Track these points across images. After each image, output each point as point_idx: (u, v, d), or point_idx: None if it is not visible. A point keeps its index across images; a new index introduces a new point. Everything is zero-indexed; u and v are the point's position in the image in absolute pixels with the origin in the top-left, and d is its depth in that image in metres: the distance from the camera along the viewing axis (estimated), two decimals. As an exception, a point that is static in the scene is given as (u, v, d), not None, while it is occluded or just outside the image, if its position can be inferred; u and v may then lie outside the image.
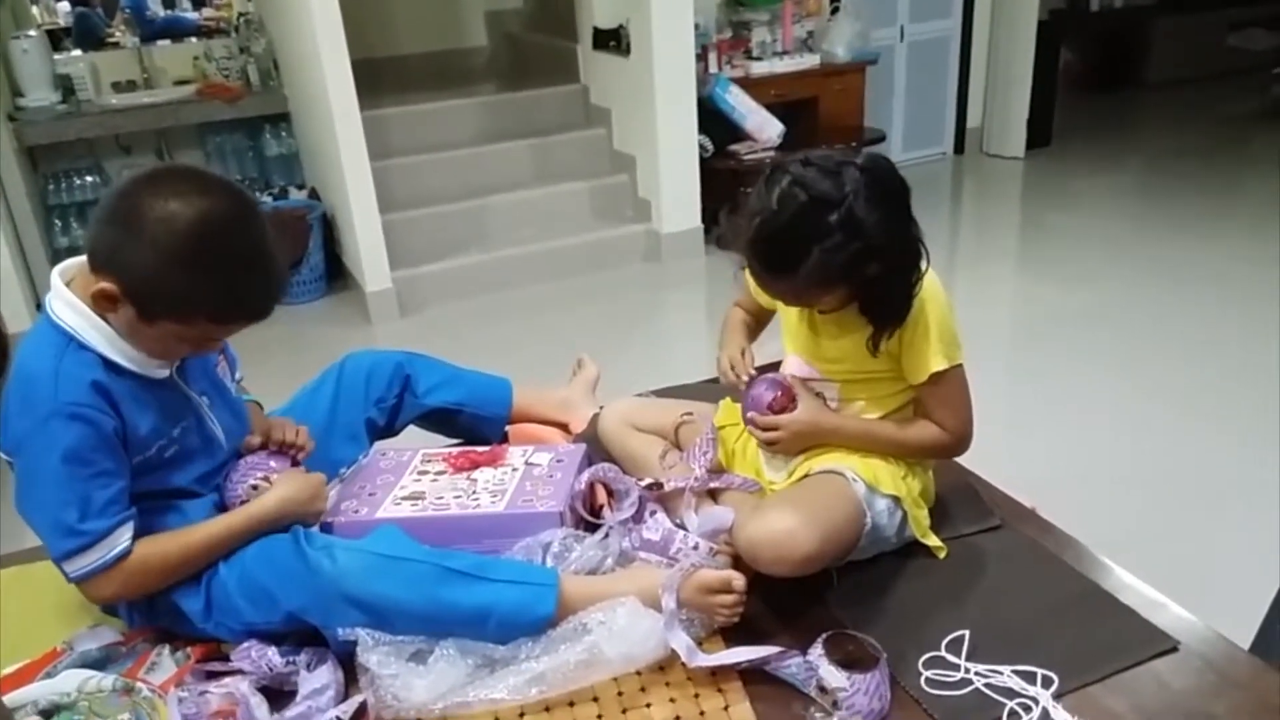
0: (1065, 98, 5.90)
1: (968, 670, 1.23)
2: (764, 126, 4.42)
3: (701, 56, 4.43)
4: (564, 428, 1.83)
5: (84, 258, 1.23)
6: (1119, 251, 4.16)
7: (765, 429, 1.45)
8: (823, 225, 1.25)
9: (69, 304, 1.22)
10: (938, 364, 1.37)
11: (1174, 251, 4.06)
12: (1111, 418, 2.84)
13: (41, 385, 1.19)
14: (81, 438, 1.18)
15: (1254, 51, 6.87)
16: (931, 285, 1.38)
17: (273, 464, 1.41)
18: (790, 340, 1.55)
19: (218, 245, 1.17)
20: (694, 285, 4.23)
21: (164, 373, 1.30)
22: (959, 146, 5.68)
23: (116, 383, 1.23)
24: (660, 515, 1.47)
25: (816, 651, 1.22)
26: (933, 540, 1.47)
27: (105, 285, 1.17)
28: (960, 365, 1.40)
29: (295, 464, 1.44)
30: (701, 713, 1.20)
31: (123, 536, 1.22)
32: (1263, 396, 2.80)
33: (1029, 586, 1.40)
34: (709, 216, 4.37)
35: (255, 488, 1.37)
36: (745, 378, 1.52)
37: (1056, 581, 1.41)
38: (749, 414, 1.48)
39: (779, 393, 1.46)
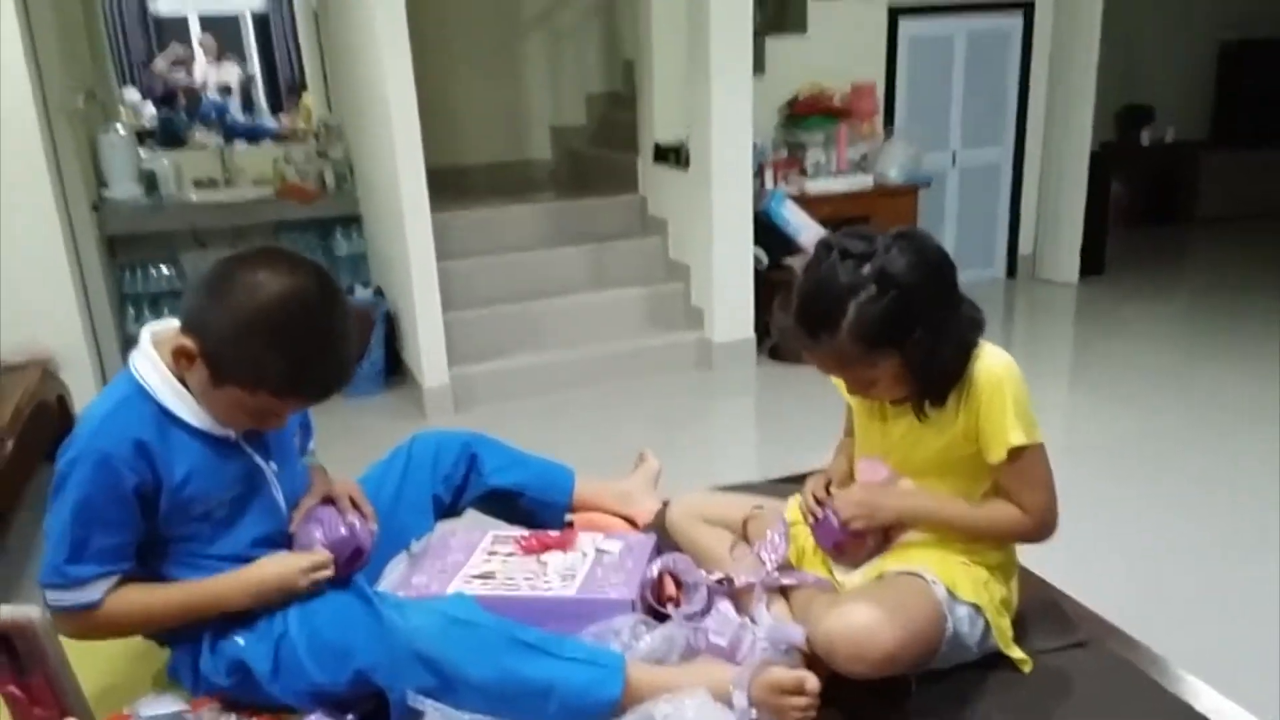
0: (1117, 228, 5.94)
1: (1060, 788, 1.16)
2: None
3: (758, 173, 4.55)
4: (629, 521, 1.81)
5: (175, 320, 1.30)
6: (1173, 380, 4.13)
7: (846, 511, 1.42)
8: (856, 278, 1.28)
9: (149, 359, 1.28)
10: (1017, 439, 1.34)
11: (1226, 383, 4.01)
12: (1162, 540, 2.77)
13: (86, 425, 1.26)
14: (99, 485, 1.22)
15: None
16: (1009, 366, 1.37)
17: (351, 519, 1.41)
18: (862, 442, 1.53)
19: (294, 322, 1.22)
20: (744, 393, 4.23)
21: (228, 433, 1.32)
22: (1010, 270, 5.72)
23: (170, 440, 1.26)
24: (727, 608, 1.43)
25: (899, 759, 1.16)
26: (1016, 652, 1.41)
27: (185, 343, 1.23)
28: (1041, 445, 1.37)
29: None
30: (779, 817, 1.14)
31: (97, 588, 1.24)
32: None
33: (1119, 706, 1.34)
34: (763, 327, 4.42)
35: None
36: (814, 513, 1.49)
37: (1148, 702, 1.34)
38: (833, 541, 1.46)
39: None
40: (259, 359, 1.21)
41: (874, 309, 1.28)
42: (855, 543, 1.46)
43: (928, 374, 1.35)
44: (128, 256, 4.55)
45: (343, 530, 1.39)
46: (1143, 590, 2.48)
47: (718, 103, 4.06)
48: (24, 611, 0.52)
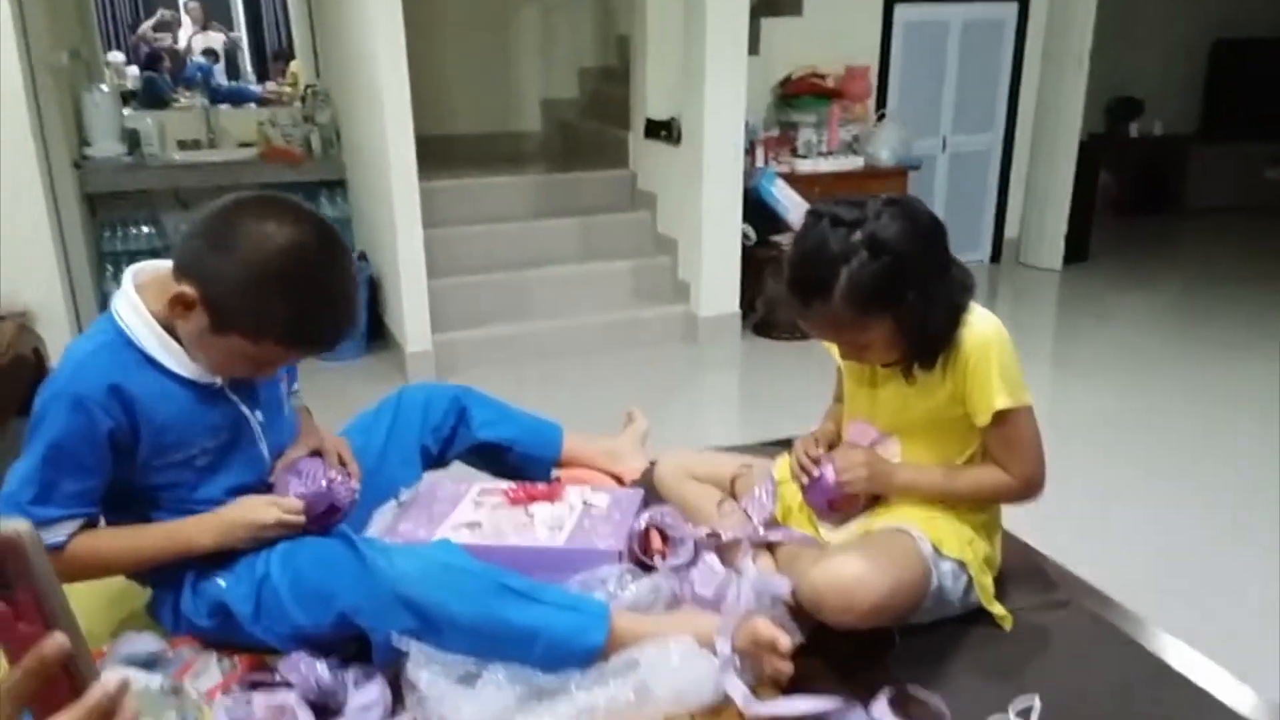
0: (1103, 217, 5.98)
1: (1039, 739, 1.17)
2: (807, 221, 4.49)
3: (749, 151, 4.54)
4: (616, 478, 1.80)
5: (161, 263, 1.28)
6: (1153, 361, 4.18)
7: (847, 472, 1.41)
8: (847, 245, 1.28)
9: (131, 304, 1.25)
10: (1002, 401, 1.35)
11: (1208, 369, 4.06)
12: (1146, 515, 2.81)
13: (64, 368, 1.24)
14: (73, 427, 1.20)
15: (1292, 187, 6.96)
16: (998, 330, 1.38)
17: (333, 474, 1.39)
18: (851, 406, 1.54)
19: (304, 273, 1.20)
20: (729, 367, 4.25)
21: (213, 380, 1.30)
22: (995, 255, 5.75)
23: (150, 386, 1.24)
24: (713, 561, 1.44)
25: (880, 706, 1.17)
26: (998, 609, 1.42)
27: (185, 290, 1.20)
28: (1028, 407, 1.38)
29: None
30: (761, 760, 1.15)
31: (61, 530, 1.23)
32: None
33: (1098, 662, 1.35)
34: (749, 303, 4.42)
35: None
36: (809, 470, 1.48)
37: (1125, 659, 1.36)
38: (826, 499, 1.45)
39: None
40: (266, 308, 1.19)
41: (866, 275, 1.28)
42: (847, 501, 1.46)
43: (920, 337, 1.35)
44: (108, 214, 4.48)
45: (322, 483, 1.36)
46: (1124, 558, 2.51)
47: (712, 80, 4.04)
48: (12, 525, 0.51)
